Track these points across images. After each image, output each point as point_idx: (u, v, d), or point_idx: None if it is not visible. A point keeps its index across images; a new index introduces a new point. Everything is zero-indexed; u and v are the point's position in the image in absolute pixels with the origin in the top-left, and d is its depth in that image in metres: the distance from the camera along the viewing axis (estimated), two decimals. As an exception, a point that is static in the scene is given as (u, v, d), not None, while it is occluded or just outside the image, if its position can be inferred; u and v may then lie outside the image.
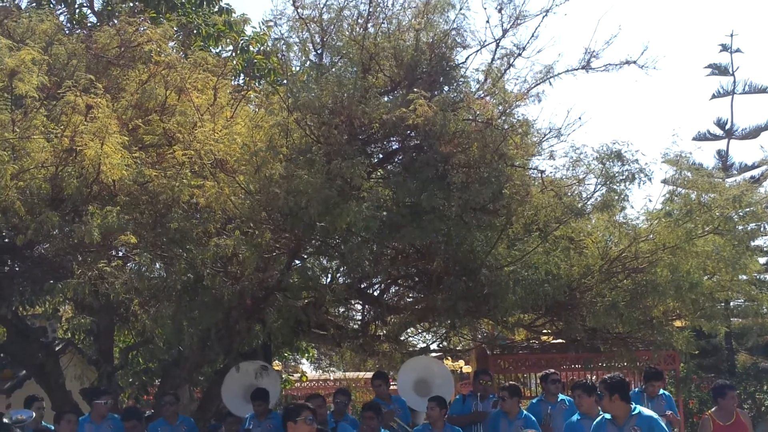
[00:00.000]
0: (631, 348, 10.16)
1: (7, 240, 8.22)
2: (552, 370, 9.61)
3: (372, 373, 10.91)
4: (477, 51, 8.29)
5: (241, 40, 13.60)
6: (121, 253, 8.34)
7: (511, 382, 10.00)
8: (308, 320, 8.89)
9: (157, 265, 8.02)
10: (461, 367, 17.86)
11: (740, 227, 9.76)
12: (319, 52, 8.23)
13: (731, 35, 29.13)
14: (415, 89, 7.38)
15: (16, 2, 12.15)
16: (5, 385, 13.48)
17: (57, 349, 12.20)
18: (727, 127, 29.10)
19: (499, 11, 8.00)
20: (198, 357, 9.10)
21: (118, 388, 11.10)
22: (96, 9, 13.16)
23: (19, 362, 10.92)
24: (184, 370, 9.42)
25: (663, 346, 9.74)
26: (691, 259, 8.62)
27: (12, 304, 9.27)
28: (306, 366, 22.59)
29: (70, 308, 11.27)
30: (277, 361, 16.00)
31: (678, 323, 10.11)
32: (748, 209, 9.62)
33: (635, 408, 6.36)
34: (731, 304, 19.67)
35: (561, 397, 9.23)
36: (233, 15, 14.11)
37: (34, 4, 12.02)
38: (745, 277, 10.10)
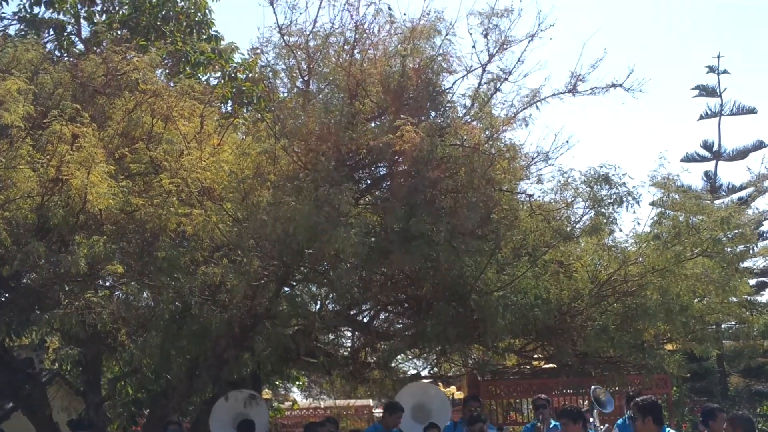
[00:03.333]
0: (622, 372, 10.13)
1: (-8, 271, 8.13)
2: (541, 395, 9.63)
3: (362, 401, 10.83)
4: (463, 76, 8.33)
5: (230, 67, 13.60)
6: (108, 283, 8.27)
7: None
8: (297, 348, 8.84)
9: (145, 295, 7.96)
10: (453, 393, 17.75)
11: (729, 249, 9.75)
12: (306, 78, 8.23)
13: (718, 57, 29.40)
14: (402, 115, 7.38)
15: (4, 30, 12.15)
16: (-8, 417, 13.30)
17: (44, 380, 12.06)
18: (715, 148, 29.26)
19: (485, 36, 8.04)
20: (186, 386, 9.02)
21: (106, 419, 10.97)
22: (83, 37, 13.14)
23: (6, 394, 10.78)
24: (172, 400, 9.33)
25: (654, 370, 9.71)
26: (680, 282, 8.62)
27: (-2, 335, 9.16)
28: (297, 394, 22.42)
29: (57, 339, 11.14)
30: (267, 390, 15.87)
31: (669, 346, 10.09)
32: (736, 231, 9.63)
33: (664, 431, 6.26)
34: (722, 326, 19.66)
35: (553, 423, 9.16)
36: (222, 43, 14.11)
37: (23, 33, 12.01)
38: (735, 299, 10.09)
